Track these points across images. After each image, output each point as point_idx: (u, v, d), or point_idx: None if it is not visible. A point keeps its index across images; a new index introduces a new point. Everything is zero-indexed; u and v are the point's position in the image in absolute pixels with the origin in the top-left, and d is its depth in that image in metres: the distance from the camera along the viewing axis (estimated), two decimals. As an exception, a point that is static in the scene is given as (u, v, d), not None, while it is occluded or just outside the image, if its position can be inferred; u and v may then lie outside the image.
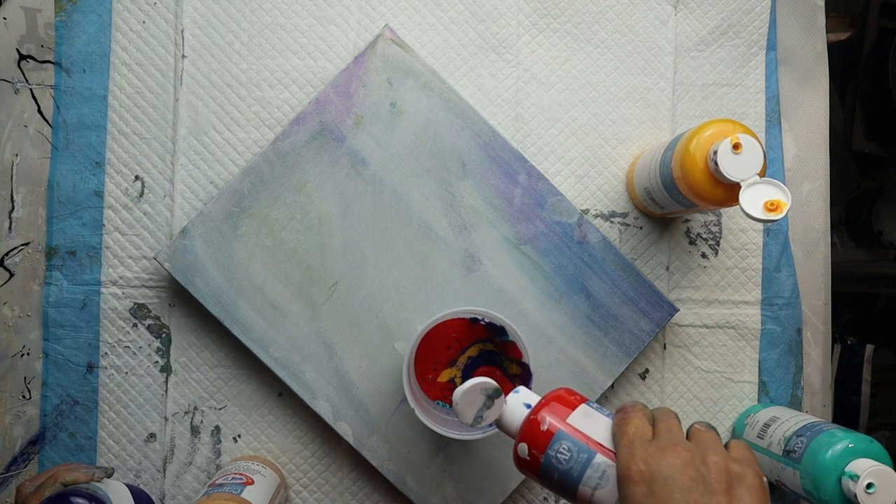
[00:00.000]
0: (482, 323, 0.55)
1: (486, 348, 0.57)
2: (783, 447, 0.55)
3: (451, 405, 0.57)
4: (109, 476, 0.53)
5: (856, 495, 0.48)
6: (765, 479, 0.38)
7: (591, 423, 0.42)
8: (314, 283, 0.59)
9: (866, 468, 0.49)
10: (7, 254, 0.61)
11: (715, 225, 0.64)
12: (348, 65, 0.60)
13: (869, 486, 0.48)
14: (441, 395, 0.57)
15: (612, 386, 0.63)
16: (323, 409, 0.59)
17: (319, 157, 0.60)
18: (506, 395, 0.45)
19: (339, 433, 0.59)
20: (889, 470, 0.49)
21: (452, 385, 0.57)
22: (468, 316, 0.55)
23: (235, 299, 0.59)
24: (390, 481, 0.60)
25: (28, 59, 0.62)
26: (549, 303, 0.60)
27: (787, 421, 0.57)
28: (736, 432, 0.62)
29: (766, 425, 0.58)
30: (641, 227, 0.63)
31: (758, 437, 0.59)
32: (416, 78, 0.60)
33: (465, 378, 0.57)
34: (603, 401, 0.63)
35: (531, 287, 0.60)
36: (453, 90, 0.60)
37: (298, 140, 0.59)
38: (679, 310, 0.61)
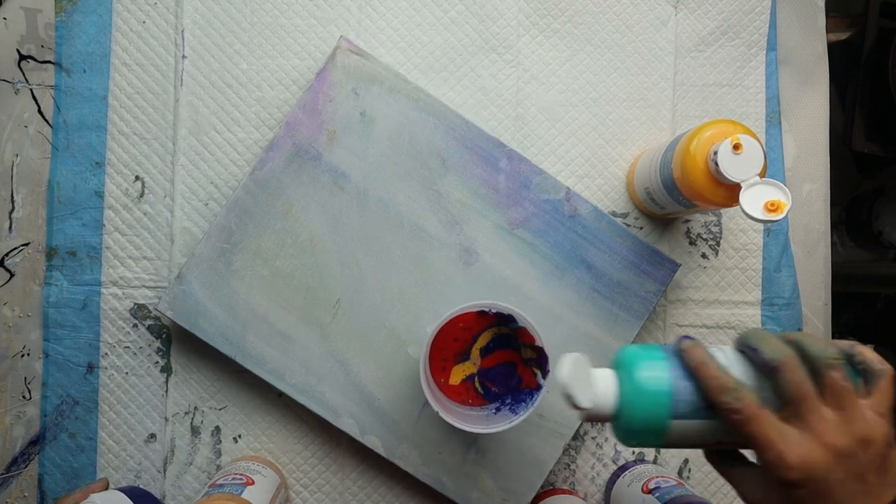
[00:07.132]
0: (490, 313, 0.55)
1: (500, 332, 0.57)
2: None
3: (467, 406, 0.56)
4: (105, 488, 0.53)
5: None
6: None
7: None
8: (317, 304, 0.59)
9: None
10: (7, 254, 0.61)
11: (715, 225, 0.64)
12: (311, 83, 0.59)
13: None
14: (458, 398, 0.57)
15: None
16: (348, 426, 0.59)
17: (299, 179, 0.59)
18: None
19: (368, 446, 0.59)
20: None
21: (468, 385, 0.57)
22: (475, 310, 0.55)
23: (242, 334, 0.58)
24: (427, 484, 0.59)
25: (28, 60, 0.61)
26: (552, 281, 0.60)
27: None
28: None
29: (767, 425, 0.58)
30: (642, 228, 0.63)
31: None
32: (380, 83, 0.60)
33: (481, 373, 0.57)
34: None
35: (531, 269, 0.60)
36: (420, 89, 0.60)
37: (276, 166, 0.59)
38: (681, 265, 0.61)
